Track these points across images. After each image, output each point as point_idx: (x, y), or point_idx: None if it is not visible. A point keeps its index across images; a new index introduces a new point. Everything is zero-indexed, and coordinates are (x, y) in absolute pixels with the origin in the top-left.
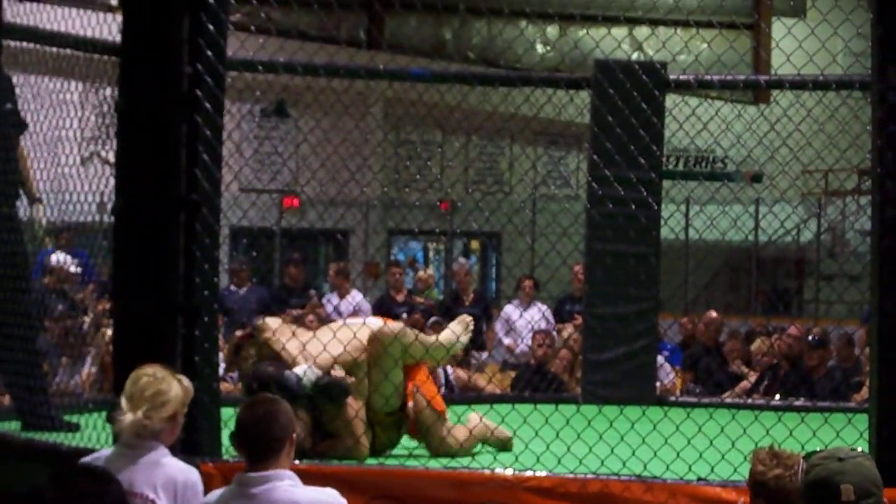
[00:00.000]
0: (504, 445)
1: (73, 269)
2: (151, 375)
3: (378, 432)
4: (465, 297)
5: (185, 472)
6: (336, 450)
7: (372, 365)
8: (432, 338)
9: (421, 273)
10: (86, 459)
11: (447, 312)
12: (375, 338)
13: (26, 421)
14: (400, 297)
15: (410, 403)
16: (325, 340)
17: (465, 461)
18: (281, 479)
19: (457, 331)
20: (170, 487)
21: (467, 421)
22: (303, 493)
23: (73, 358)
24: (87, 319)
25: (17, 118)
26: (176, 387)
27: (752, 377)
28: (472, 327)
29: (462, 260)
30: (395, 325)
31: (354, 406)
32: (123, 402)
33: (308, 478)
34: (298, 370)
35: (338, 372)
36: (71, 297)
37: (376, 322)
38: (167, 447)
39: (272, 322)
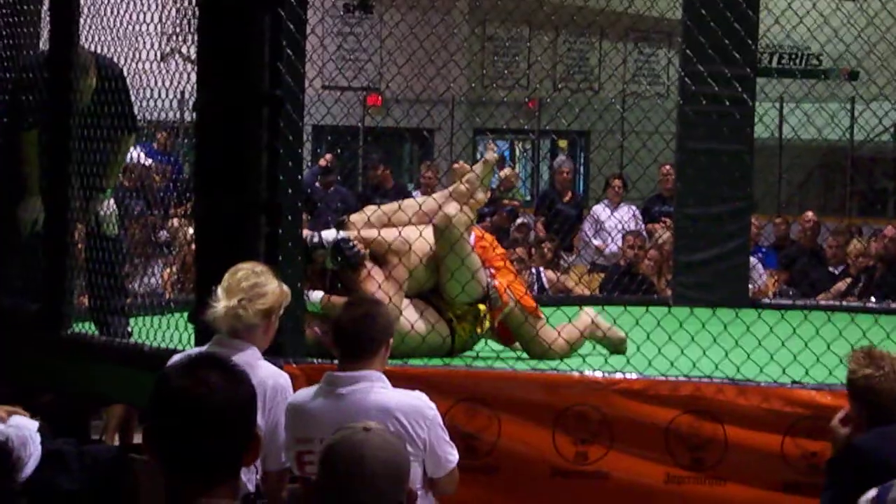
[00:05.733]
0: (617, 347)
1: (147, 162)
2: (250, 269)
3: (457, 329)
4: (564, 196)
5: (275, 377)
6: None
7: (440, 254)
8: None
9: (503, 171)
10: (175, 358)
11: (542, 209)
12: (436, 226)
13: (102, 322)
14: None
15: (505, 300)
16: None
17: (553, 363)
18: (371, 381)
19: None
20: (259, 391)
21: (577, 319)
22: (392, 395)
23: (153, 258)
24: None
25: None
26: (275, 284)
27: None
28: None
29: (563, 158)
30: (450, 208)
31: (377, 275)
32: (219, 291)
33: (393, 379)
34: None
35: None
36: (149, 195)
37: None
38: (261, 351)
39: (357, 218)
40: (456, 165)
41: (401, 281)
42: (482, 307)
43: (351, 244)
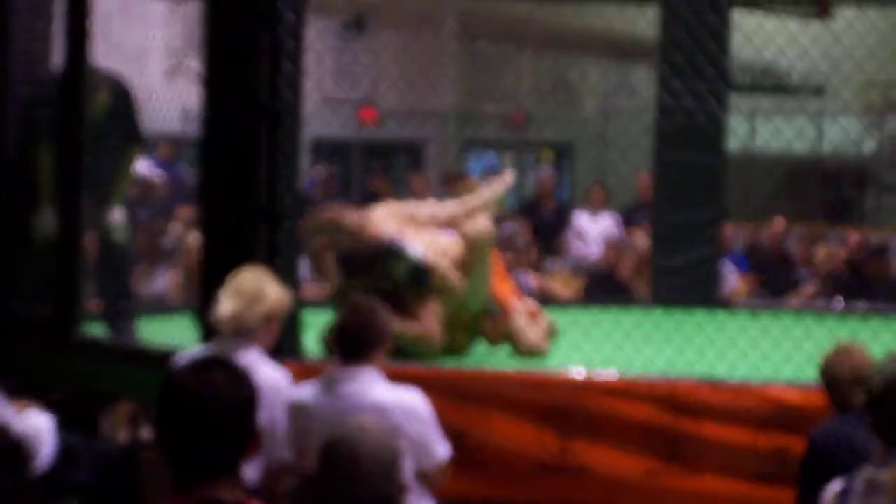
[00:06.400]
0: (552, 336)
1: (156, 178)
2: (253, 274)
3: (454, 332)
4: (546, 205)
5: (274, 377)
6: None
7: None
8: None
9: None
10: (180, 359)
11: (526, 217)
12: (470, 236)
13: (110, 324)
14: None
15: (509, 309)
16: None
17: (538, 363)
18: (367, 379)
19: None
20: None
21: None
22: (388, 392)
23: (157, 264)
24: (174, 227)
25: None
26: (276, 289)
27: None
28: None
29: (545, 168)
30: (483, 222)
31: (433, 309)
32: (222, 296)
33: (388, 378)
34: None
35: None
36: (155, 204)
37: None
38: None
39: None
40: (467, 181)
41: (442, 312)
42: (480, 315)
43: (430, 272)
